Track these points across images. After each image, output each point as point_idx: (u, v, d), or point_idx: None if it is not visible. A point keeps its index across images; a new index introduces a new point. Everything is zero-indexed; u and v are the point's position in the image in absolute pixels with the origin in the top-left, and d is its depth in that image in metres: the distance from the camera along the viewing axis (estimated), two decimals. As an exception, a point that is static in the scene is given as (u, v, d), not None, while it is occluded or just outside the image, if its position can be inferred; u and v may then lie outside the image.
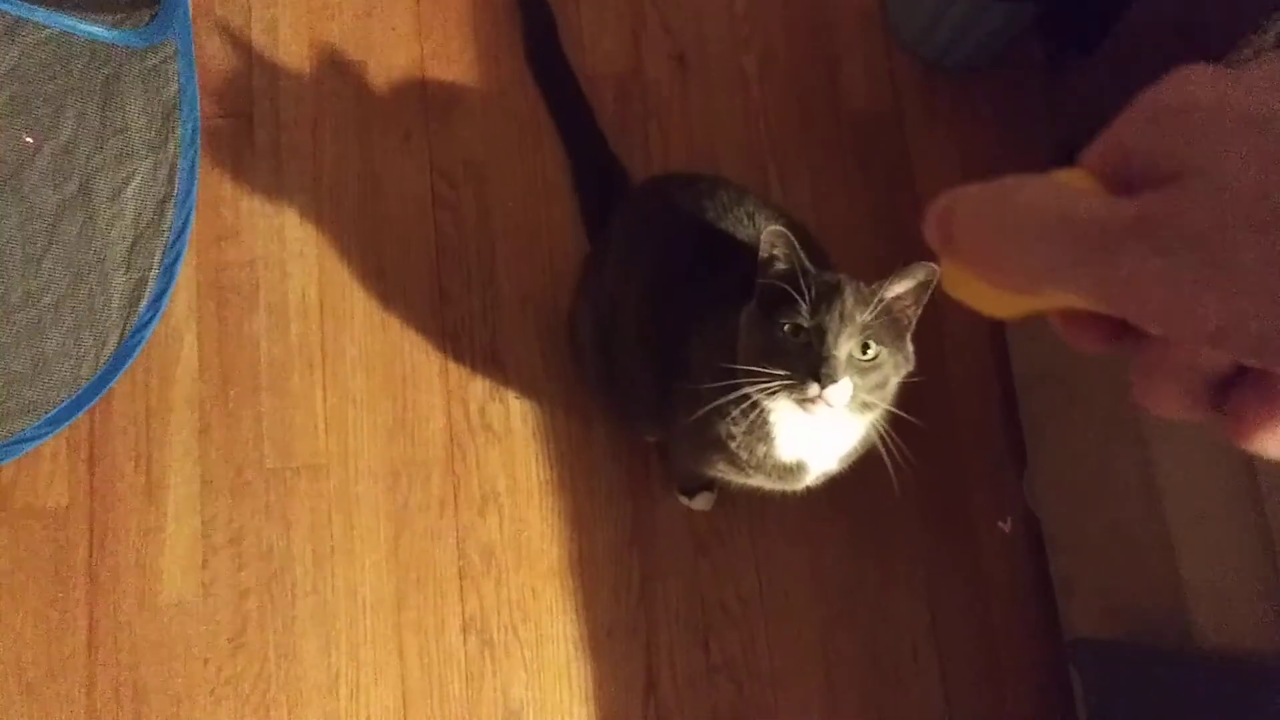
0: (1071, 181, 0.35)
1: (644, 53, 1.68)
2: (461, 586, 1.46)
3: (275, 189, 1.55)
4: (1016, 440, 1.56)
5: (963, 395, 1.62)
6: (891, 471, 1.04)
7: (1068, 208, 0.32)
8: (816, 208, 1.66)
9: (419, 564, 1.46)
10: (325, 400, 1.49)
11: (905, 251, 1.63)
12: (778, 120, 1.68)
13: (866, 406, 1.01)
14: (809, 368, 0.95)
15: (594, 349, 1.34)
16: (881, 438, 1.06)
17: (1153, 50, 1.57)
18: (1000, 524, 1.58)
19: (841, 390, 0.96)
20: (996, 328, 1.62)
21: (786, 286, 0.97)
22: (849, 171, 1.69)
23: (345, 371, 1.51)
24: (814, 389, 0.95)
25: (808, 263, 0.99)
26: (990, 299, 0.38)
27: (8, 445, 1.39)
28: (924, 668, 1.52)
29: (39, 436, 1.40)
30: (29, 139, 1.40)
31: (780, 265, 1.00)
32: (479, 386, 1.53)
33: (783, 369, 0.96)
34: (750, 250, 1.07)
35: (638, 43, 1.68)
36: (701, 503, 1.50)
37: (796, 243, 0.98)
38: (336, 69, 1.60)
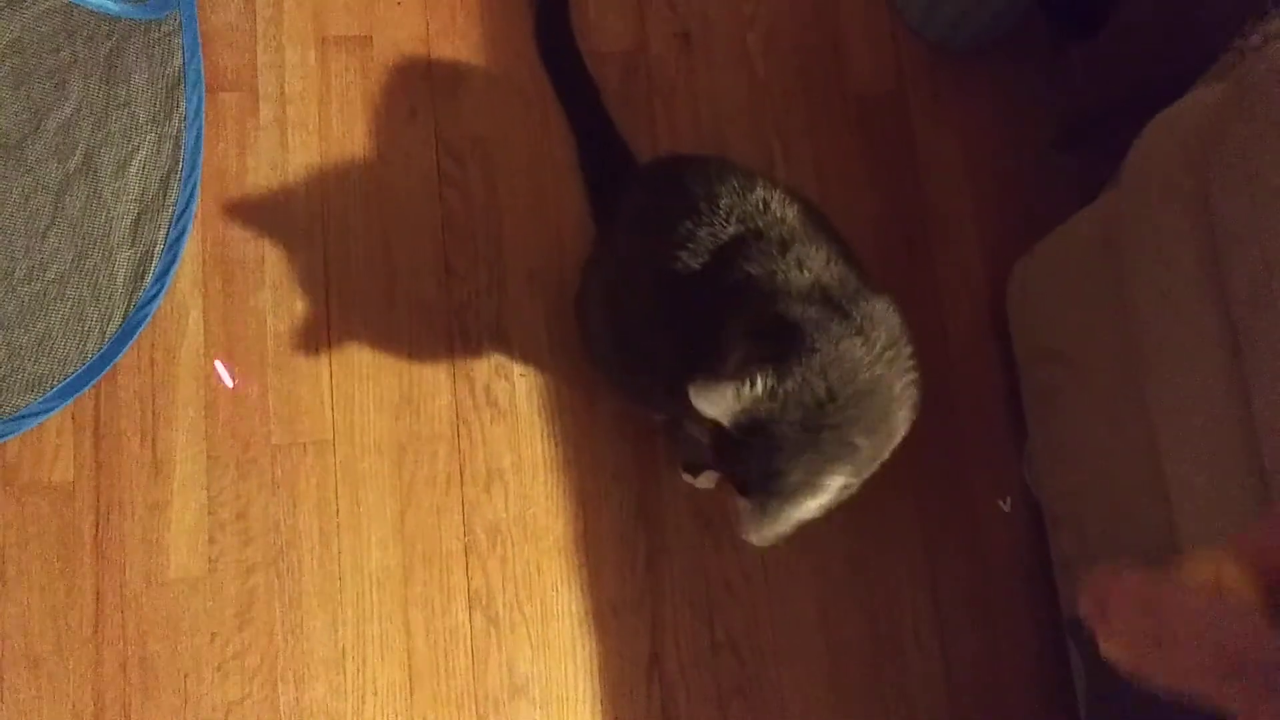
0: (1224, 578, 0.35)
1: (649, 30, 1.67)
2: (467, 562, 1.47)
3: (281, 164, 1.54)
4: (1017, 419, 1.58)
5: (963, 373, 1.63)
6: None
7: (1226, 634, 0.33)
8: (820, 185, 1.66)
9: (425, 540, 1.47)
10: (331, 376, 1.49)
11: (907, 231, 1.65)
12: (782, 98, 1.69)
13: None
14: None
15: (603, 329, 1.34)
16: None
17: (1153, 35, 1.58)
18: (1000, 503, 1.59)
19: None
20: (997, 305, 1.63)
21: None
22: (853, 149, 1.69)
23: (351, 347, 1.50)
24: None
25: None
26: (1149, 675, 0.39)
27: (13, 420, 1.39)
28: (924, 644, 1.54)
29: (44, 411, 1.40)
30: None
31: None
32: (484, 363, 1.53)
33: None
34: (765, 240, 1.08)
35: (643, 20, 1.67)
36: (705, 480, 1.51)
37: None
38: (342, 44, 1.59)
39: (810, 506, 0.99)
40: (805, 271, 1.07)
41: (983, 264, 1.68)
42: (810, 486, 0.97)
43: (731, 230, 1.13)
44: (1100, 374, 1.35)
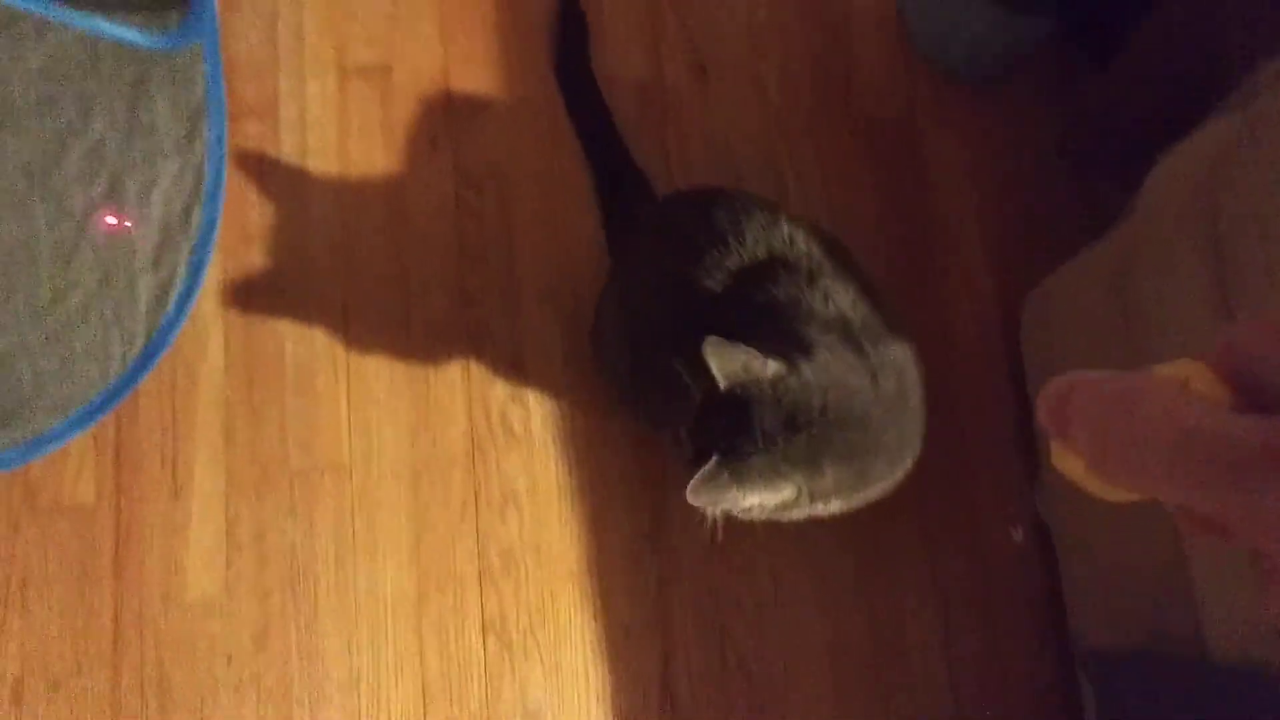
0: (1193, 380, 0.34)
1: (664, 60, 1.69)
2: (481, 588, 1.48)
3: (301, 190, 1.56)
4: (1027, 443, 1.59)
5: (972, 398, 1.64)
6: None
7: (1193, 424, 0.32)
8: (831, 212, 1.68)
9: (440, 565, 1.48)
10: (349, 401, 1.51)
11: (917, 254, 1.67)
12: (794, 126, 1.70)
13: None
14: None
15: (619, 353, 1.36)
16: None
17: (1166, 68, 1.60)
18: (1011, 531, 1.60)
19: None
20: (1008, 331, 1.64)
21: None
22: (864, 177, 1.71)
23: (369, 373, 1.52)
24: None
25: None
26: (1101, 485, 0.38)
27: (36, 443, 1.41)
28: (932, 673, 1.55)
29: (67, 434, 1.42)
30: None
31: None
32: (499, 388, 1.55)
33: None
34: (794, 270, 1.10)
35: (659, 50, 1.69)
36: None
37: None
38: (362, 73, 1.61)
39: (750, 500, 1.02)
40: (830, 305, 1.09)
41: (994, 289, 1.69)
42: (762, 481, 1.00)
43: (759, 257, 1.15)
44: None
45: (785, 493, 1.01)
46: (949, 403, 1.61)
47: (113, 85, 1.53)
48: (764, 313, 1.11)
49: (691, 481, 1.00)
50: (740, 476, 0.99)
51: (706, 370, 1.00)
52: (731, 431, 1.00)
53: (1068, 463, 0.40)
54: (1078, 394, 0.36)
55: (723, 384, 1.00)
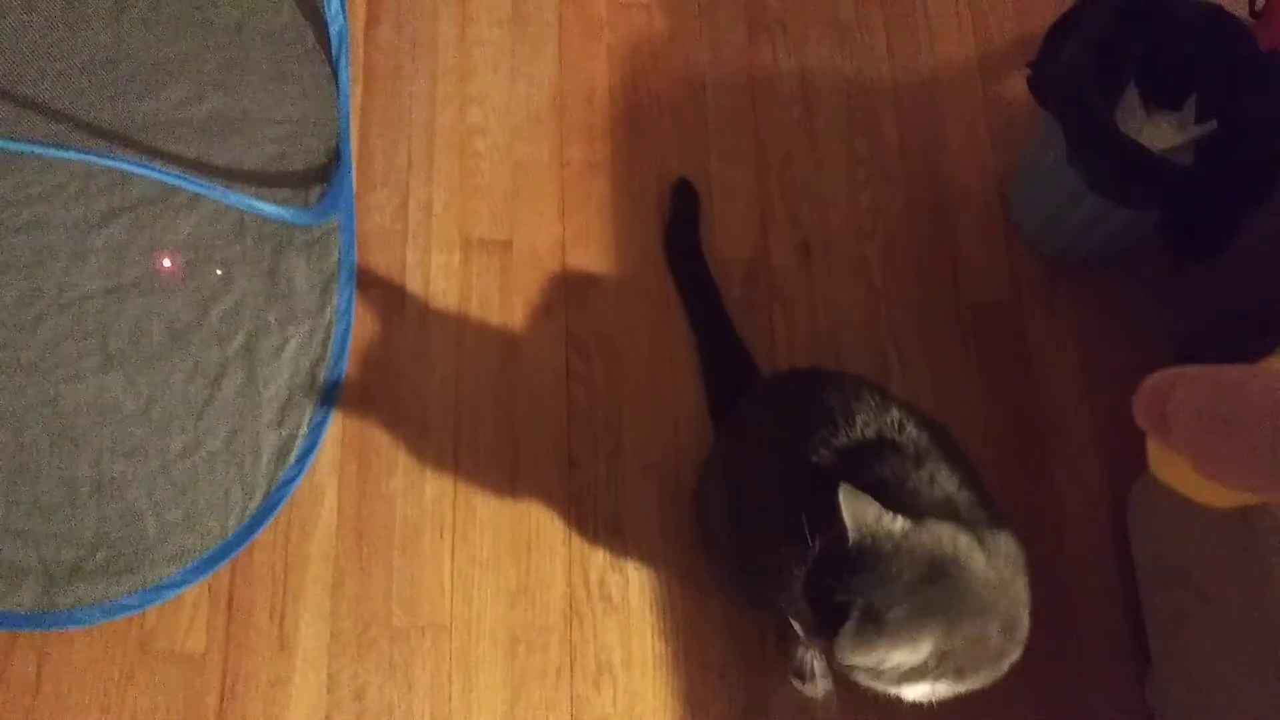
0: None
1: (771, 241, 1.76)
2: (573, 758, 1.47)
3: (421, 355, 1.64)
4: (1138, 639, 1.54)
5: (1081, 588, 1.60)
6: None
7: None
8: (935, 395, 1.69)
9: (533, 732, 1.48)
10: (453, 561, 1.54)
11: (1023, 441, 1.66)
12: (899, 308, 1.74)
13: None
14: None
15: (721, 528, 1.37)
16: None
17: (1272, 261, 1.60)
18: (1122, 730, 1.54)
19: None
20: (1116, 521, 1.61)
21: None
22: (968, 361, 1.72)
23: (474, 534, 1.56)
24: None
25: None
26: (1202, 485, 0.37)
27: (154, 591, 1.46)
28: None
29: (184, 583, 1.47)
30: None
31: None
32: (600, 555, 1.57)
33: None
34: (900, 452, 1.11)
35: (765, 232, 1.76)
36: (813, 688, 1.49)
37: None
38: (484, 247, 1.70)
39: (895, 657, 0.98)
40: (936, 487, 1.10)
41: (1101, 477, 1.66)
42: (906, 634, 0.96)
43: (866, 438, 1.16)
44: (1227, 601, 1.32)
45: (923, 648, 0.98)
46: (1057, 591, 1.57)
47: (254, 253, 1.64)
48: (869, 489, 1.11)
49: (839, 638, 0.97)
50: (884, 631, 0.97)
51: (836, 521, 1.00)
52: (866, 587, 0.99)
53: (1168, 467, 0.38)
54: (1180, 388, 0.35)
55: (853, 535, 0.99)
